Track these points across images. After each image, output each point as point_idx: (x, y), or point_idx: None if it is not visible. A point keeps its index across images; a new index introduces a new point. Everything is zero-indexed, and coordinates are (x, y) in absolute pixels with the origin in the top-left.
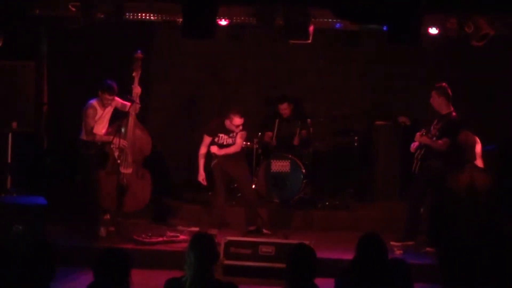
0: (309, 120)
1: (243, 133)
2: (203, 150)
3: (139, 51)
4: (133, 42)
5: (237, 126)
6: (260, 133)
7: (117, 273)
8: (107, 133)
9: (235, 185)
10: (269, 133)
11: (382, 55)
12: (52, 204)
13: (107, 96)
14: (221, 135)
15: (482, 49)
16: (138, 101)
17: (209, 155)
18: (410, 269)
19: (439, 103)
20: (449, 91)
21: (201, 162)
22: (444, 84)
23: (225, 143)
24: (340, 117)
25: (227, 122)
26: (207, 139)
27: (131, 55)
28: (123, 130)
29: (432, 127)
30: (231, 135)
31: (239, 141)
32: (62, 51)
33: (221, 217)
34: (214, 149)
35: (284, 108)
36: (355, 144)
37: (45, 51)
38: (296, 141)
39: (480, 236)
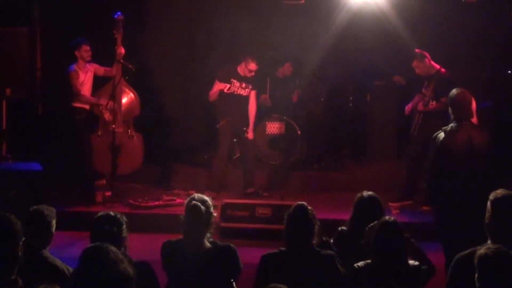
0: (298, 81)
1: (255, 92)
2: (212, 97)
3: (119, 13)
4: (126, 5)
5: (251, 71)
6: None
7: (113, 238)
8: (97, 96)
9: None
10: (265, 96)
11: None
12: (47, 169)
13: (84, 47)
14: (233, 80)
15: (475, 6)
16: (123, 61)
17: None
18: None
19: (424, 67)
20: (425, 53)
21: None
22: (417, 49)
23: (236, 92)
24: (334, 77)
25: (241, 66)
26: (218, 85)
27: (124, 18)
28: (111, 91)
29: (424, 90)
30: (243, 85)
31: (254, 101)
32: (55, 16)
33: (220, 180)
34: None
35: (288, 67)
36: (350, 104)
37: (38, 16)
38: (295, 98)
39: (477, 193)
